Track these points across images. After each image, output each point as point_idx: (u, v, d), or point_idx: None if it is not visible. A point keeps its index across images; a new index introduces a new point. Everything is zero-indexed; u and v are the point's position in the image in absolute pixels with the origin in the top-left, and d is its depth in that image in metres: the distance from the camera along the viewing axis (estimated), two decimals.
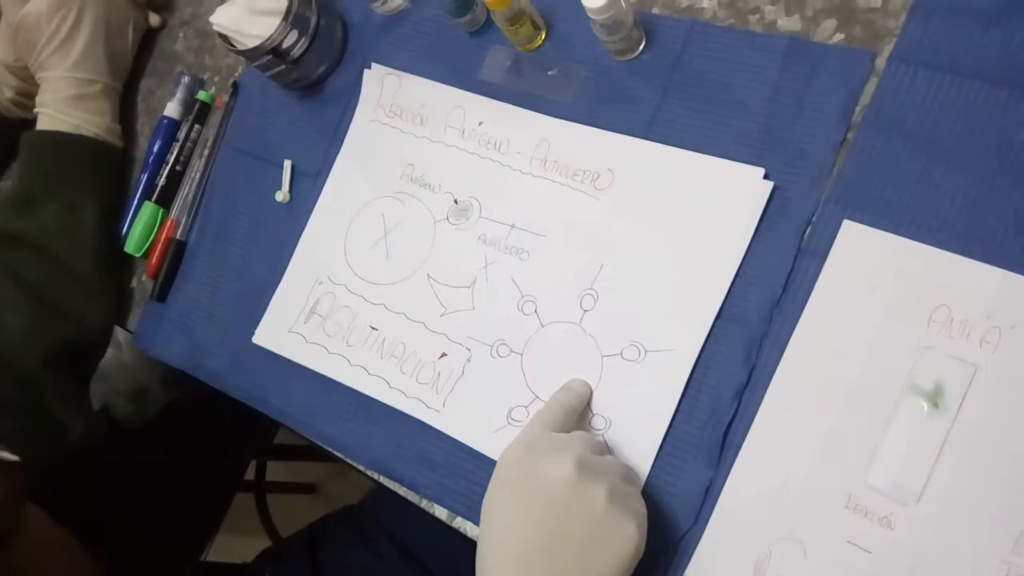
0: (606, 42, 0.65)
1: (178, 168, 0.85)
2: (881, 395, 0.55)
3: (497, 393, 0.66)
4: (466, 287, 0.69)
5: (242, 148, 0.83)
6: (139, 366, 1.05)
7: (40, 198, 0.79)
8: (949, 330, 0.54)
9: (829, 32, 0.62)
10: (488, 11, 0.69)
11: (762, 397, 0.58)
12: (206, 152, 0.83)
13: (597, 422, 0.62)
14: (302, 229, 0.77)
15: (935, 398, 0.53)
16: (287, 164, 0.79)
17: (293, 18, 0.72)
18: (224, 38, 0.75)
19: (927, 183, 0.57)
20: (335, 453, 0.72)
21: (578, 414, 0.62)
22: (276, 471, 1.60)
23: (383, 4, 0.77)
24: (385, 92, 0.76)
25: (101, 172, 0.84)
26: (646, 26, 0.66)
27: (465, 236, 0.70)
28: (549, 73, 0.70)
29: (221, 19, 0.74)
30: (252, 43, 0.73)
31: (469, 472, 0.66)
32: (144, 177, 0.85)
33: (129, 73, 0.89)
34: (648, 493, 0.60)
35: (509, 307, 0.67)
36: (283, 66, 0.76)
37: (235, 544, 1.24)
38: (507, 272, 0.68)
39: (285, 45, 0.74)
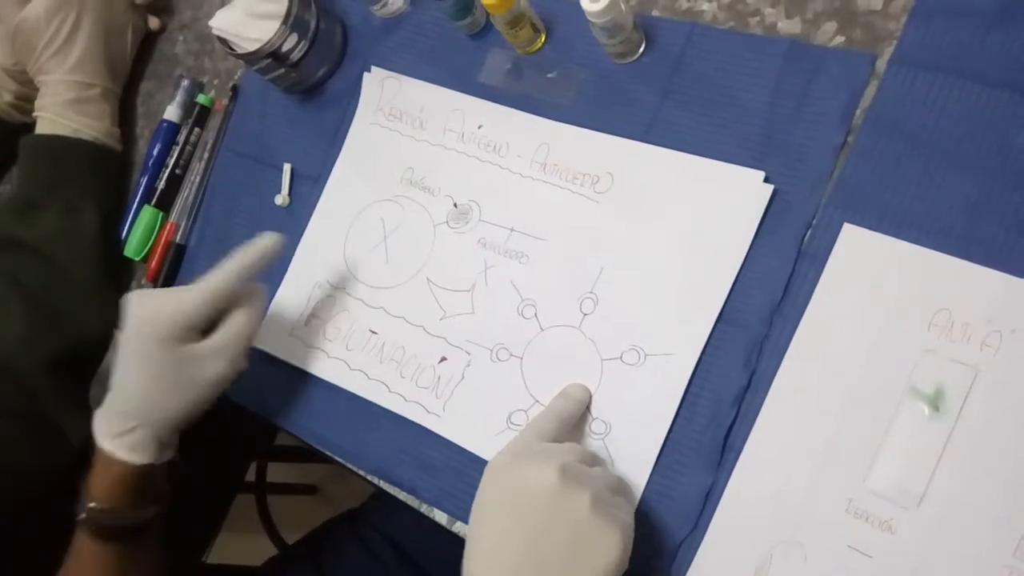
0: (606, 45, 0.65)
1: (178, 171, 0.84)
2: (882, 399, 0.55)
3: (497, 397, 0.66)
4: (466, 291, 0.69)
5: (242, 151, 0.82)
6: None
7: (39, 202, 0.79)
8: (950, 334, 0.54)
9: (829, 35, 0.61)
10: (488, 14, 0.69)
11: (762, 401, 0.58)
12: (206, 155, 0.83)
13: (597, 426, 0.62)
14: (302, 232, 0.77)
15: (936, 402, 0.53)
16: (287, 167, 0.79)
17: (292, 21, 0.72)
18: (223, 42, 0.75)
19: (928, 186, 0.56)
20: (334, 457, 0.72)
21: (575, 421, 0.62)
22: (277, 472, 1.60)
23: (383, 7, 0.77)
24: (385, 95, 0.76)
25: (100, 176, 0.84)
26: (646, 29, 0.66)
27: (465, 239, 0.70)
28: (549, 76, 0.70)
29: (220, 23, 0.74)
30: (251, 47, 0.73)
31: (469, 477, 0.66)
32: (144, 181, 0.85)
33: (128, 76, 0.89)
34: (648, 497, 0.60)
35: (509, 311, 0.67)
36: (282, 69, 0.75)
37: (236, 545, 1.24)
38: (507, 276, 0.68)
39: (284, 48, 0.74)
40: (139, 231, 0.83)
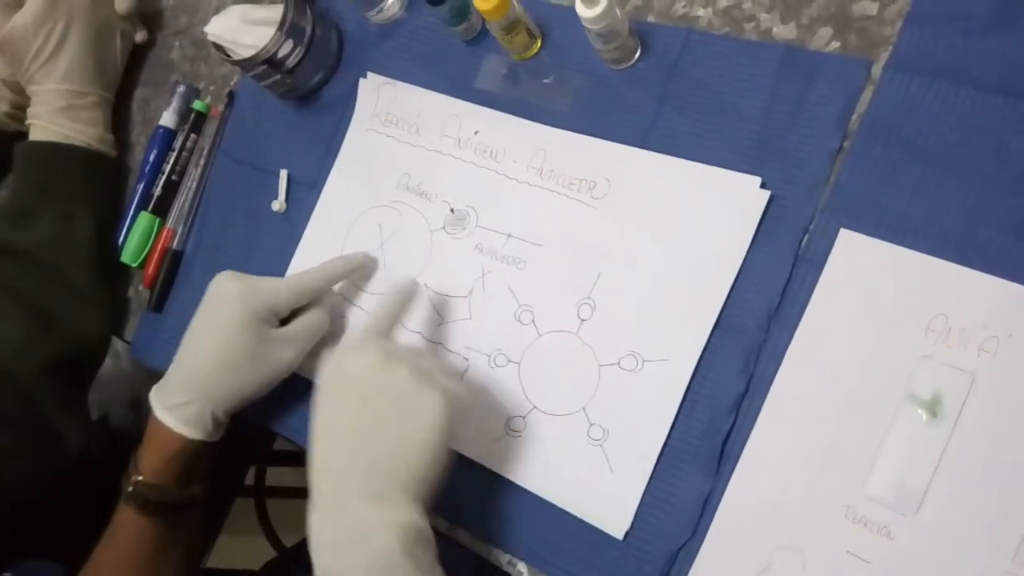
0: (602, 51, 0.65)
1: (174, 178, 0.84)
2: (879, 404, 0.55)
3: (495, 403, 0.66)
4: (463, 297, 0.69)
5: (238, 157, 0.82)
6: (137, 375, 1.05)
7: (34, 209, 0.79)
8: (947, 339, 0.54)
9: (825, 40, 0.61)
10: (483, 20, 0.69)
11: (760, 406, 0.58)
12: (202, 162, 0.83)
13: (594, 432, 0.62)
14: (299, 238, 0.77)
15: (933, 407, 0.53)
16: (283, 173, 0.79)
17: (288, 28, 0.72)
18: (219, 48, 0.75)
19: (924, 191, 0.56)
20: None
21: (404, 313, 0.68)
22: (276, 476, 1.60)
23: (378, 13, 0.77)
24: (381, 101, 0.76)
25: (95, 182, 0.84)
26: (641, 35, 0.66)
27: (462, 245, 0.70)
28: (545, 82, 0.70)
29: (216, 29, 0.74)
30: (247, 53, 0.73)
31: (467, 482, 0.66)
32: (140, 187, 0.85)
33: (124, 82, 0.89)
34: (646, 504, 0.60)
35: (506, 317, 0.67)
36: (278, 76, 0.75)
37: (235, 549, 1.23)
38: (504, 281, 0.68)
39: (280, 55, 0.74)
40: (136, 237, 0.83)
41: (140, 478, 0.66)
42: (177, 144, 0.85)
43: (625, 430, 0.61)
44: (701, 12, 0.66)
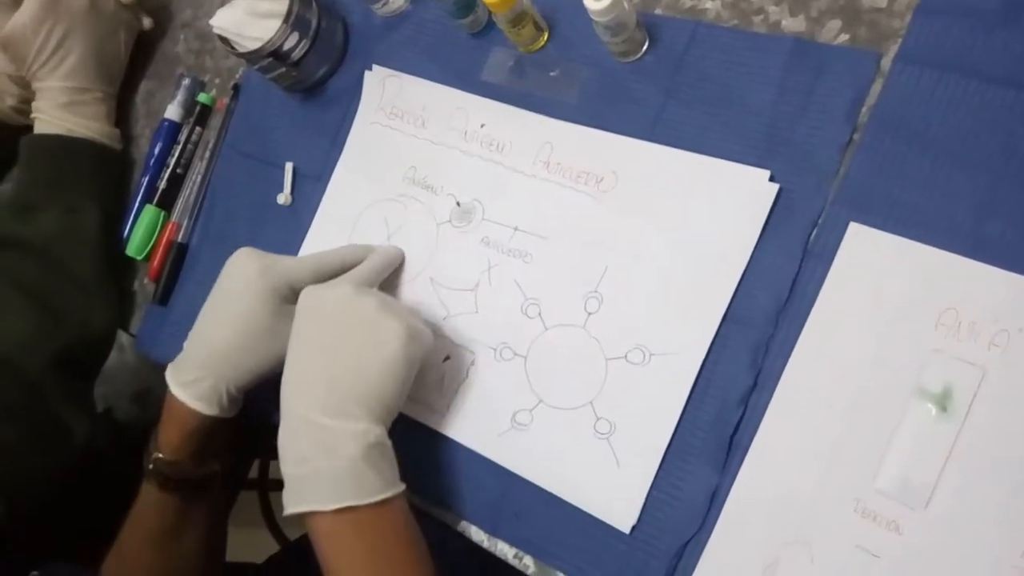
0: (609, 43, 0.65)
1: (179, 171, 0.84)
2: (889, 398, 0.55)
3: (501, 396, 0.66)
4: (469, 290, 0.69)
5: (243, 150, 0.82)
6: (142, 368, 1.05)
7: (40, 202, 0.78)
8: (957, 333, 0.54)
9: (834, 33, 0.61)
10: (490, 12, 0.68)
11: (768, 401, 0.58)
12: (207, 154, 0.83)
13: (601, 426, 0.62)
14: (305, 232, 0.77)
15: (943, 401, 0.53)
16: (289, 166, 0.79)
17: (294, 20, 0.72)
18: (224, 41, 0.74)
19: (934, 184, 0.56)
20: None
21: (386, 273, 0.70)
22: (279, 469, 1.60)
23: (384, 6, 0.76)
24: (386, 94, 0.76)
25: (100, 175, 0.83)
26: (649, 27, 0.66)
27: (468, 239, 0.70)
28: (551, 74, 0.70)
29: (221, 21, 0.74)
30: (252, 45, 0.72)
31: (473, 476, 0.66)
32: (145, 180, 0.85)
33: (128, 75, 0.89)
34: (653, 498, 0.59)
35: (513, 310, 0.67)
36: (284, 68, 0.75)
37: (238, 542, 1.23)
38: (510, 275, 0.68)
39: (286, 47, 0.73)
40: (141, 230, 0.83)
41: (159, 455, 0.67)
42: (182, 137, 0.85)
43: (632, 424, 0.61)
44: (709, 5, 0.66)
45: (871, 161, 0.58)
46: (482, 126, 0.71)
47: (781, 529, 0.56)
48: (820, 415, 0.56)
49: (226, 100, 0.84)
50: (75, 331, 0.77)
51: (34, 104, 0.82)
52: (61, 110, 0.81)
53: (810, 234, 0.59)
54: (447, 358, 0.68)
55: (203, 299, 0.68)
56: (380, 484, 0.56)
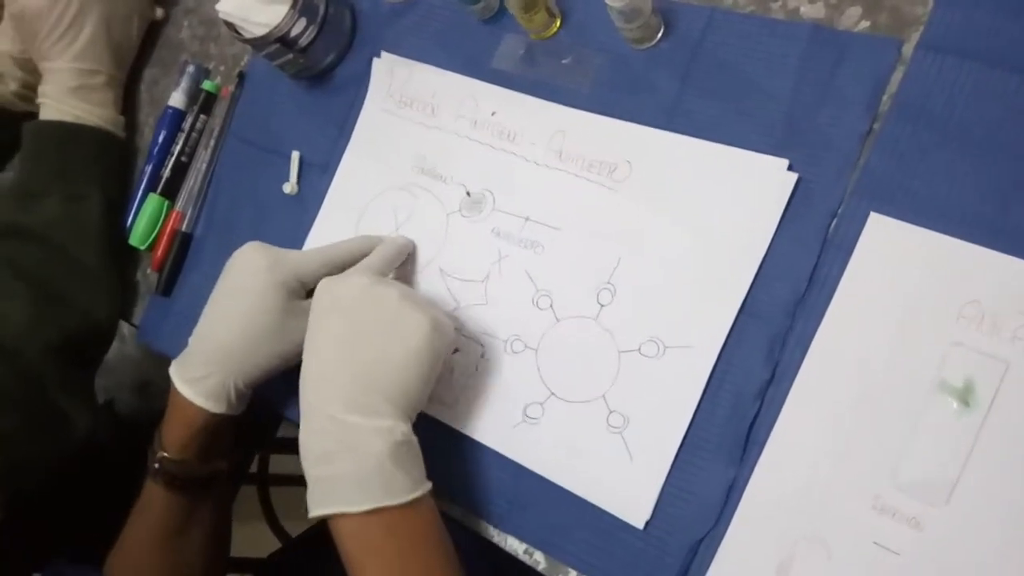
0: (623, 29, 0.64)
1: (183, 159, 0.83)
2: (909, 392, 0.53)
3: (511, 389, 0.65)
4: (479, 281, 0.68)
5: (248, 139, 0.81)
6: (144, 359, 1.04)
7: (43, 189, 0.77)
8: (979, 326, 0.53)
9: (854, 19, 0.60)
10: None
11: (786, 394, 0.56)
12: (212, 143, 0.82)
13: (614, 420, 0.61)
14: (311, 222, 0.76)
15: (965, 396, 0.52)
16: (295, 155, 0.77)
17: (301, 6, 0.71)
18: (230, 26, 0.73)
19: (956, 175, 0.55)
20: None
21: (398, 263, 0.69)
22: (279, 464, 1.59)
23: None
24: (395, 81, 0.75)
25: (104, 163, 0.82)
26: (665, 13, 0.65)
27: (478, 229, 0.69)
28: (564, 62, 0.69)
29: (227, 7, 0.72)
30: (259, 31, 0.71)
31: (483, 470, 0.65)
32: (149, 168, 0.83)
33: (132, 62, 0.87)
34: (668, 493, 0.58)
35: (523, 302, 0.66)
36: (291, 55, 0.74)
37: (238, 536, 1.22)
38: (521, 266, 0.66)
39: (293, 33, 0.72)
40: (144, 219, 0.81)
41: (165, 454, 0.65)
42: (186, 125, 0.83)
43: (646, 418, 0.60)
44: None
45: (892, 150, 0.57)
46: (493, 114, 0.70)
47: (798, 525, 0.55)
48: (838, 409, 0.55)
49: (231, 88, 0.83)
50: (77, 320, 0.76)
51: (40, 88, 0.80)
52: (68, 95, 0.79)
53: (829, 225, 0.57)
54: (456, 350, 0.67)
55: (207, 290, 0.67)
56: (409, 483, 0.54)
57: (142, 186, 0.83)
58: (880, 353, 0.55)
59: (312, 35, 0.73)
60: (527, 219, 0.67)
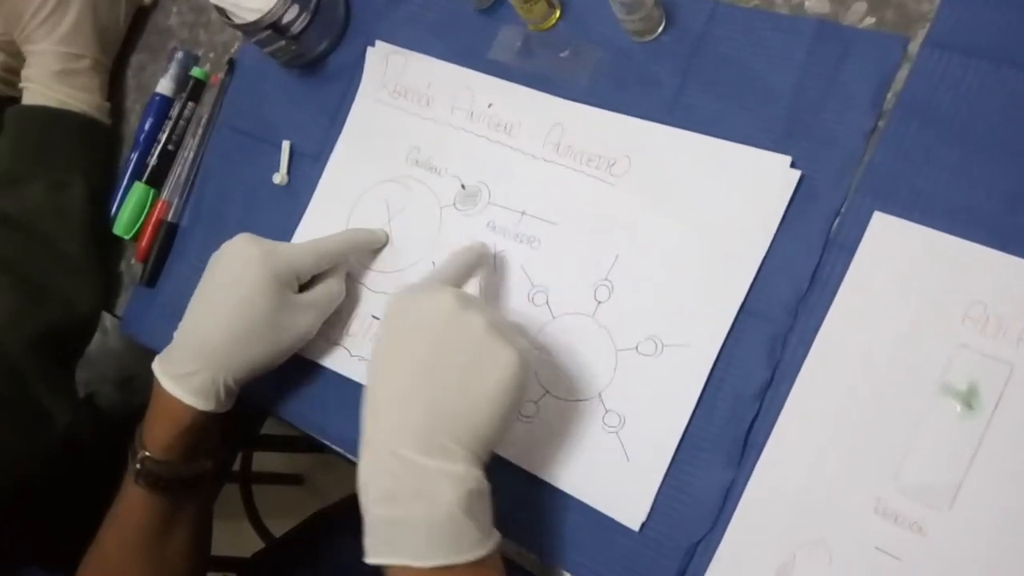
0: (624, 21, 0.62)
1: (170, 147, 0.81)
2: (912, 395, 0.52)
3: None
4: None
5: (238, 127, 0.79)
6: (126, 352, 1.02)
7: (25, 175, 0.75)
8: (984, 328, 0.52)
9: (860, 15, 0.59)
10: None
11: (786, 395, 0.55)
12: (200, 131, 0.80)
13: (610, 419, 0.60)
14: (301, 213, 0.74)
15: (969, 399, 0.51)
16: (285, 145, 0.76)
17: None
18: (221, 11, 0.71)
19: (962, 174, 0.54)
20: (332, 446, 0.70)
21: (472, 271, 0.63)
22: (263, 462, 1.57)
23: None
24: (390, 71, 0.73)
25: (88, 149, 0.80)
26: (667, 6, 0.63)
27: (473, 223, 0.67)
28: (563, 54, 0.67)
29: None
30: (251, 17, 0.70)
31: None
32: (134, 156, 0.81)
33: (119, 48, 0.85)
34: (665, 494, 0.57)
35: (519, 298, 0.64)
36: (283, 42, 0.72)
37: (220, 535, 1.21)
38: (517, 261, 0.65)
39: (285, 20, 0.70)
40: (129, 208, 0.79)
41: (147, 454, 0.63)
42: (174, 112, 0.81)
43: (643, 417, 0.59)
44: None
45: (897, 149, 0.56)
46: (489, 106, 0.69)
47: (797, 529, 0.54)
48: (840, 411, 0.54)
49: (221, 75, 0.81)
50: (59, 311, 0.74)
51: (24, 72, 0.78)
52: (52, 79, 0.77)
53: (832, 223, 0.56)
54: None
55: (193, 281, 0.66)
56: (478, 537, 0.49)
57: (127, 174, 0.81)
58: (883, 354, 0.54)
59: (305, 22, 0.72)
60: (523, 213, 0.66)
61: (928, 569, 0.50)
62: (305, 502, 1.40)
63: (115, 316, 0.83)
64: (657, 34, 0.64)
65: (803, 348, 0.56)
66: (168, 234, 0.79)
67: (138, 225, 0.80)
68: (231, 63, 0.81)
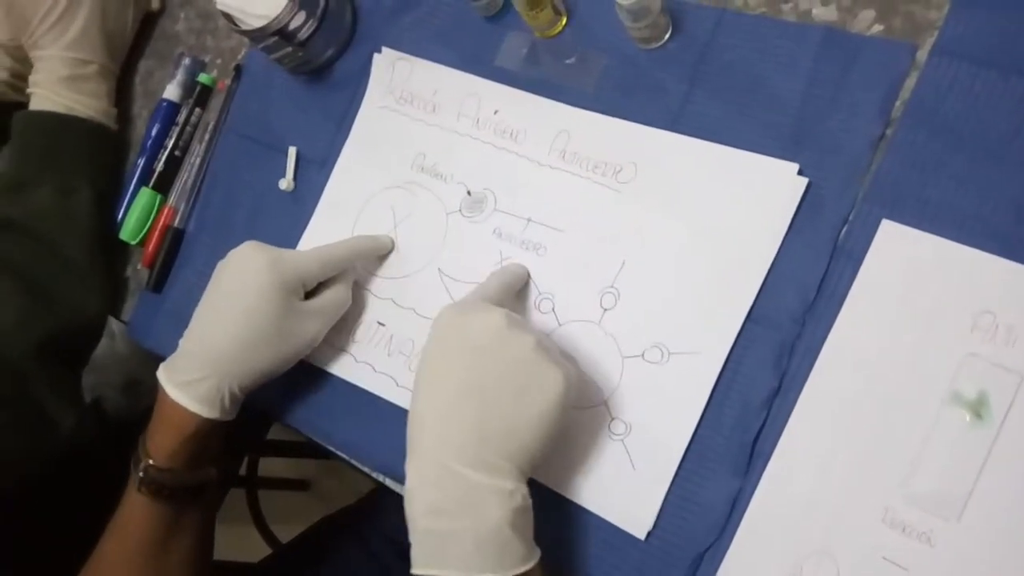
0: (631, 28, 0.62)
1: (177, 153, 0.81)
2: (920, 404, 0.52)
3: None
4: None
5: (245, 133, 0.79)
6: (133, 357, 1.02)
7: (32, 181, 0.75)
8: (994, 337, 0.51)
9: (867, 23, 0.59)
10: None
11: (793, 404, 0.55)
12: (207, 137, 0.80)
13: (616, 427, 0.59)
14: (307, 219, 0.74)
15: (978, 408, 0.51)
16: (292, 151, 0.76)
17: None
18: (228, 18, 0.71)
19: (971, 183, 0.54)
20: (338, 453, 0.70)
21: (515, 292, 0.63)
22: (269, 467, 1.57)
23: None
24: (396, 77, 0.73)
25: (95, 155, 0.80)
26: (673, 13, 0.63)
27: (479, 229, 0.67)
28: (569, 61, 0.67)
29: None
30: (257, 23, 0.69)
31: None
32: (141, 162, 0.81)
33: (127, 54, 0.86)
34: (671, 504, 0.57)
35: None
36: (289, 48, 0.72)
37: (225, 540, 1.20)
38: None
39: (292, 26, 0.70)
40: (136, 214, 0.80)
41: (151, 462, 0.62)
42: (181, 118, 0.81)
43: (649, 425, 0.59)
44: None
45: (905, 157, 0.56)
46: (495, 113, 0.69)
47: (805, 539, 0.53)
48: (847, 421, 0.54)
49: (227, 81, 0.81)
50: (65, 317, 0.74)
51: (31, 77, 0.78)
52: (60, 85, 0.77)
53: (840, 231, 0.56)
54: None
55: (199, 287, 0.65)
56: (523, 552, 0.50)
57: (134, 180, 0.81)
58: (891, 363, 0.53)
59: (312, 28, 0.72)
60: (529, 220, 0.66)
61: None
62: (311, 508, 1.40)
63: (121, 321, 0.83)
64: (663, 41, 0.64)
65: (811, 356, 0.55)
66: (174, 240, 0.79)
67: (145, 230, 0.80)
68: (238, 69, 0.81)
